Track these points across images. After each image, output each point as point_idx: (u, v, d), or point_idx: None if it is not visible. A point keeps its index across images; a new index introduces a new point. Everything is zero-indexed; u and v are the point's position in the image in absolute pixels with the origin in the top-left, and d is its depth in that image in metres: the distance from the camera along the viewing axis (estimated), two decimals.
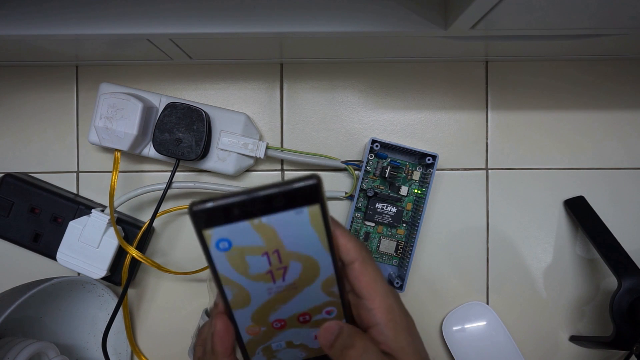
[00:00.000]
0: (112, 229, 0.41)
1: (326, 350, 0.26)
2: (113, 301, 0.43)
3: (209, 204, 0.22)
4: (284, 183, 0.22)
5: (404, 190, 0.42)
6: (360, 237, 0.43)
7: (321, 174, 0.44)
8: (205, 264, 0.41)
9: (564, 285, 0.44)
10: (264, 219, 0.23)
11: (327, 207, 0.23)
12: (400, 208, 0.42)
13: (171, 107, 0.40)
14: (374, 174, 0.42)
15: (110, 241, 0.40)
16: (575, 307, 0.44)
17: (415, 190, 0.42)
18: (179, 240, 0.45)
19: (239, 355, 0.28)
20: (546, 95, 0.44)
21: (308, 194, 0.23)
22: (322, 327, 0.26)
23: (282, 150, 0.42)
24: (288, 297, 0.26)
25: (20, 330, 0.42)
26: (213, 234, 0.23)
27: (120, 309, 0.41)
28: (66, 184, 0.45)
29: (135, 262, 0.41)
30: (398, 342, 0.26)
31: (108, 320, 0.40)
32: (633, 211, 0.44)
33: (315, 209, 0.23)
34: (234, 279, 0.25)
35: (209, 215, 0.23)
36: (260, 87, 0.44)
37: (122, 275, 0.41)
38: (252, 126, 0.42)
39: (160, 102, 0.41)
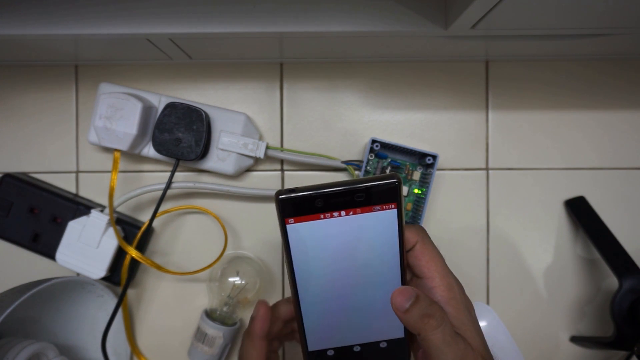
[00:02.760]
0: (111, 229, 0.40)
1: (399, 314, 0.25)
2: (112, 301, 0.43)
3: (295, 194, 0.24)
4: (367, 179, 0.24)
5: (404, 190, 0.42)
6: None
7: (321, 174, 0.44)
8: (204, 264, 0.41)
9: (564, 285, 0.44)
10: (344, 212, 0.24)
11: (403, 205, 0.25)
12: None
13: (171, 107, 0.40)
14: (374, 174, 0.42)
15: (110, 241, 0.40)
16: (575, 308, 0.44)
17: (416, 191, 0.42)
18: (179, 241, 0.45)
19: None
20: (546, 95, 0.44)
21: (388, 192, 0.24)
22: (397, 290, 0.25)
23: (282, 150, 0.42)
24: (356, 288, 0.27)
25: (19, 330, 0.42)
26: (295, 222, 0.24)
27: (120, 309, 0.41)
28: (65, 184, 0.45)
29: (134, 263, 0.41)
30: (460, 319, 0.26)
31: (108, 320, 0.40)
32: (633, 211, 0.44)
33: (392, 206, 0.25)
34: (309, 268, 0.26)
35: (294, 204, 0.24)
36: (260, 87, 0.44)
37: (121, 275, 0.41)
38: (252, 126, 0.42)
39: (159, 102, 0.41)
